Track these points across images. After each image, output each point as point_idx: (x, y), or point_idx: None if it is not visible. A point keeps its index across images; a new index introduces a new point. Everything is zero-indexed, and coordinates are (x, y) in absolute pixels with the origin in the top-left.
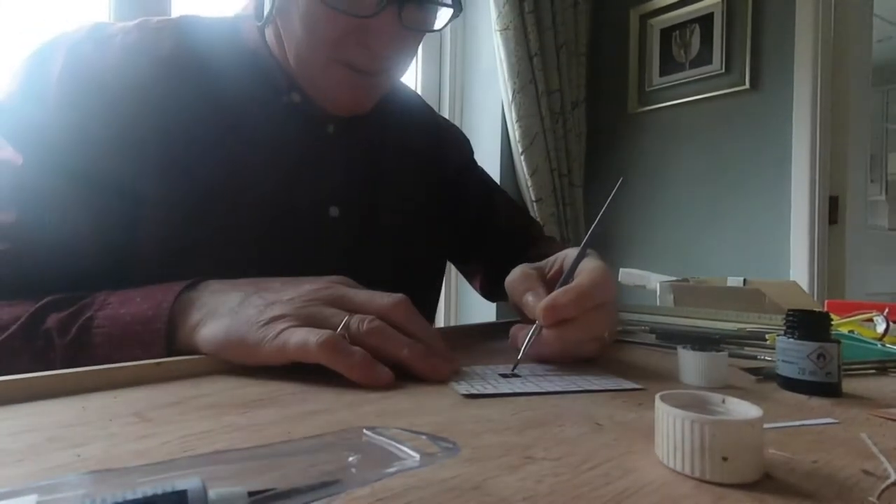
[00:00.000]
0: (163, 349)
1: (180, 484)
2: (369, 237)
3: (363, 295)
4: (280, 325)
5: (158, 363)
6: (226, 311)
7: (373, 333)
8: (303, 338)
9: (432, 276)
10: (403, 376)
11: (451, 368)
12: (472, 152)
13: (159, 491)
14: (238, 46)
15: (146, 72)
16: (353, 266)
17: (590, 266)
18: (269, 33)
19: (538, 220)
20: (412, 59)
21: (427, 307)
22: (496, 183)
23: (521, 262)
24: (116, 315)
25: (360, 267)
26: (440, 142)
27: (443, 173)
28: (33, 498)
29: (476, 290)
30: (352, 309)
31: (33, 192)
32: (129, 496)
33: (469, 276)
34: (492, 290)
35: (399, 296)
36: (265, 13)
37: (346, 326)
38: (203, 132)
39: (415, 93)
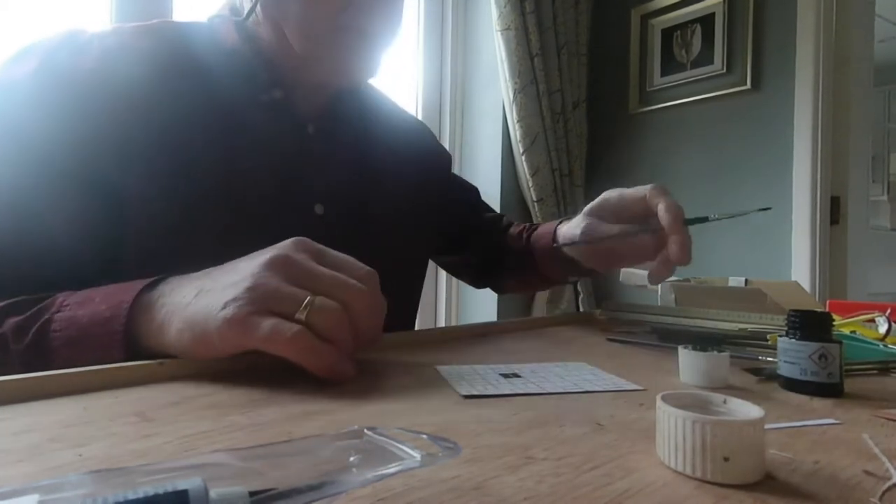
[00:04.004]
0: (121, 351)
1: (181, 484)
2: (355, 234)
3: (327, 276)
4: (238, 310)
5: (160, 363)
6: (183, 308)
7: (333, 328)
8: (270, 329)
9: (418, 271)
10: (404, 377)
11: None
12: (450, 157)
13: (160, 491)
14: (215, 47)
15: (123, 71)
16: None
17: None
18: (253, 28)
19: (539, 219)
20: (400, 20)
21: (411, 302)
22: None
23: (501, 249)
24: (74, 317)
25: None
26: (419, 141)
27: (426, 171)
28: (35, 497)
29: (461, 279)
30: (313, 289)
31: (7, 191)
32: (131, 496)
33: (452, 267)
34: (482, 278)
35: (366, 282)
36: (246, 9)
37: (308, 306)
38: (186, 131)
39: (387, 96)
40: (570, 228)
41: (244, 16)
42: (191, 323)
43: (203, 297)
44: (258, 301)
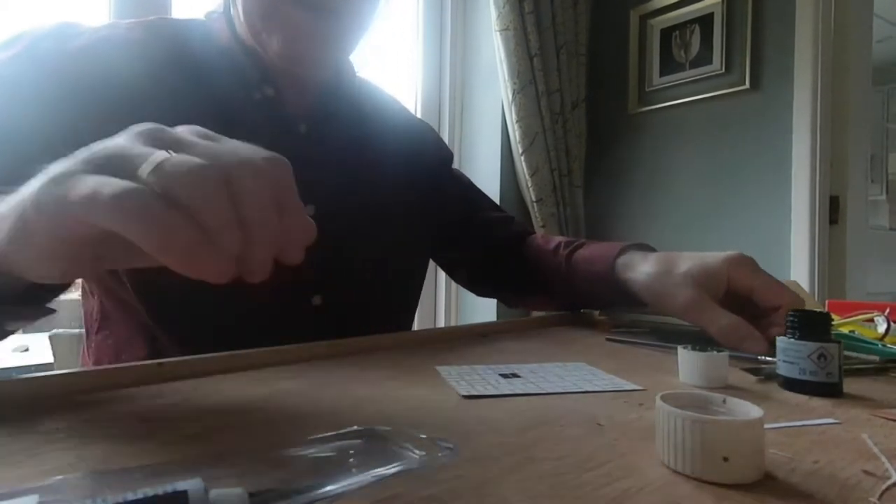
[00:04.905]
0: None
1: (181, 484)
2: (350, 236)
3: (202, 144)
4: (62, 174)
5: (160, 364)
6: (19, 201)
7: (192, 188)
8: (93, 186)
9: (416, 270)
10: (404, 377)
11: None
12: (450, 154)
13: (160, 492)
14: (210, 44)
15: (113, 60)
16: (334, 264)
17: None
18: (238, 24)
19: (539, 220)
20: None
21: (410, 302)
22: (470, 181)
23: (520, 261)
24: None
25: (342, 265)
26: (418, 140)
27: (423, 171)
28: (34, 498)
29: (458, 281)
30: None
31: None
32: (130, 497)
33: (449, 267)
34: (483, 284)
35: (271, 161)
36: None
37: (157, 168)
38: (174, 121)
39: (391, 95)
40: (660, 285)
41: (222, 8)
42: (35, 202)
43: (46, 173)
44: (92, 163)
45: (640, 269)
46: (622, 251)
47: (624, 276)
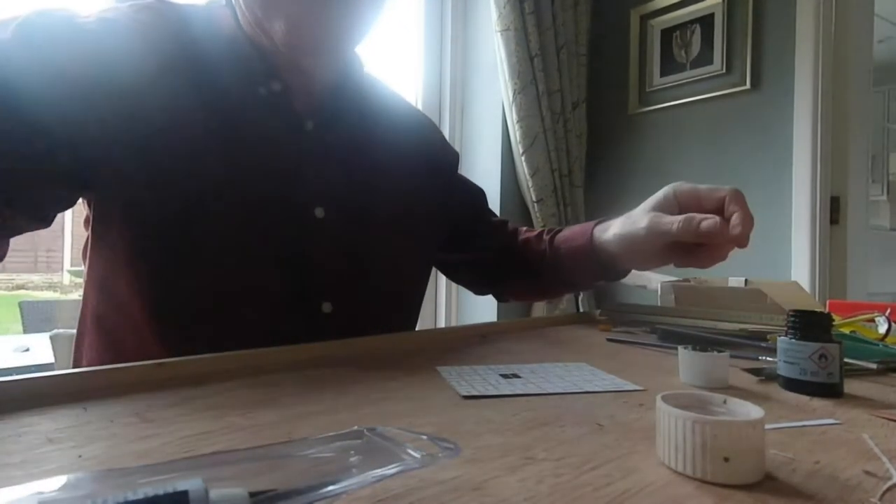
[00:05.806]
0: None
1: (182, 484)
2: (356, 237)
3: None
4: None
5: (160, 364)
6: None
7: None
8: None
9: (420, 272)
10: (404, 377)
11: None
12: (457, 157)
13: (161, 492)
14: (213, 33)
15: (124, 42)
16: (342, 266)
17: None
18: (241, 14)
19: (539, 220)
20: None
21: (414, 303)
22: (474, 185)
23: (511, 255)
24: None
25: (349, 267)
26: (425, 142)
27: (430, 170)
28: (35, 499)
29: (460, 283)
30: None
31: None
32: (131, 497)
33: (451, 270)
34: (484, 283)
35: None
36: None
37: None
38: (181, 114)
39: (397, 93)
40: (627, 226)
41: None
42: None
43: None
44: None
45: (611, 228)
46: (598, 223)
47: (601, 241)
